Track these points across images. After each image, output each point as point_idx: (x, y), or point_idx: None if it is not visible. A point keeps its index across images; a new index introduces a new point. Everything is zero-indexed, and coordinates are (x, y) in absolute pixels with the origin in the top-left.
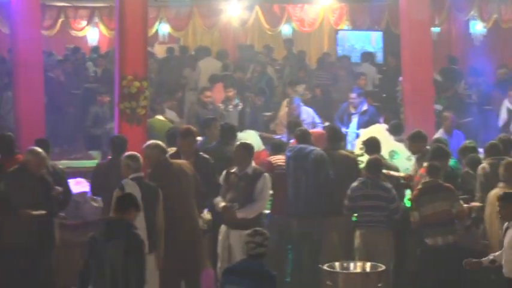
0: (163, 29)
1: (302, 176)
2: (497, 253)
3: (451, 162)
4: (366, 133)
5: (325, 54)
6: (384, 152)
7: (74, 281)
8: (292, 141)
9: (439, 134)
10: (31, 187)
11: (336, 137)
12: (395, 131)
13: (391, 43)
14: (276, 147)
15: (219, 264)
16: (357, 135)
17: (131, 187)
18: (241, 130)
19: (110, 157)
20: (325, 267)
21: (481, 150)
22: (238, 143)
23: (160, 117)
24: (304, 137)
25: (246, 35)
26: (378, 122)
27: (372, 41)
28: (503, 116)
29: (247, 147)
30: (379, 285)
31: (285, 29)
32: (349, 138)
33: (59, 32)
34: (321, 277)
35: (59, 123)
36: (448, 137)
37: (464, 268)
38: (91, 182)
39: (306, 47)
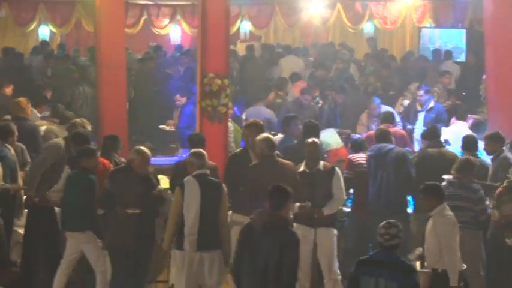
0: (245, 26)
1: (383, 175)
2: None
3: None
4: (448, 131)
5: (408, 53)
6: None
7: (155, 276)
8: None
9: None
10: (135, 186)
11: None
12: (477, 129)
13: (475, 41)
14: (356, 146)
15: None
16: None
17: (191, 184)
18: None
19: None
20: None
21: None
22: (309, 140)
23: None
24: (383, 136)
25: (327, 33)
26: (445, 119)
27: (456, 38)
28: None
29: (318, 144)
30: (461, 284)
31: (367, 27)
32: (415, 135)
33: (141, 30)
34: None
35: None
36: None
37: None
38: (171, 179)
39: (388, 45)
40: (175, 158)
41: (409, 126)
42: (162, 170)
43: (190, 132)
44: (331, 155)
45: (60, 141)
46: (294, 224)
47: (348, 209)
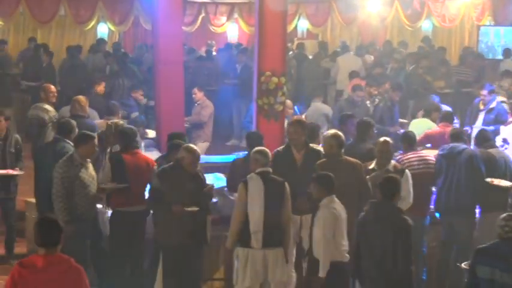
0: (302, 24)
1: (453, 175)
2: None
3: None
4: (507, 130)
5: (466, 50)
6: None
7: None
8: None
9: None
10: (185, 184)
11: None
12: None
13: None
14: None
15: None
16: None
17: (254, 181)
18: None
19: (246, 152)
20: (463, 265)
21: None
22: (381, 139)
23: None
24: (458, 135)
25: (385, 31)
26: (504, 120)
27: None
28: None
29: (390, 144)
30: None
31: (425, 25)
32: (473, 134)
33: (199, 28)
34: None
35: None
36: None
37: None
38: (228, 177)
39: (446, 43)
40: (231, 156)
41: (466, 128)
42: (218, 168)
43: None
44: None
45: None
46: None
47: None
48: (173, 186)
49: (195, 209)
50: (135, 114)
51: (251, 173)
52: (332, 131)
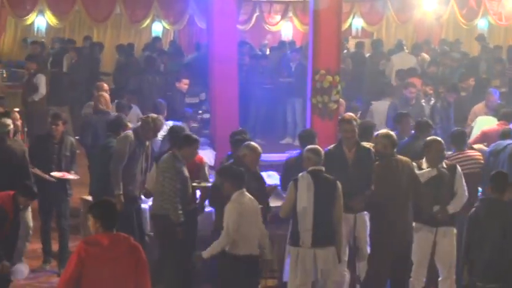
0: (357, 23)
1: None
2: None
3: None
4: None
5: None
6: None
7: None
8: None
9: None
10: (248, 182)
11: None
12: None
13: None
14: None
15: (414, 266)
16: None
17: (304, 180)
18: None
19: (299, 151)
20: None
21: None
22: (433, 137)
23: None
24: (506, 133)
25: (441, 29)
26: None
27: None
28: None
29: (443, 143)
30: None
31: (481, 23)
32: None
33: (253, 27)
34: None
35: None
36: None
37: None
38: (281, 176)
39: (502, 41)
40: (286, 155)
41: None
42: (271, 166)
43: None
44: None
45: (130, 133)
46: (414, 224)
47: None
48: None
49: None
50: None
51: (303, 172)
52: (384, 131)
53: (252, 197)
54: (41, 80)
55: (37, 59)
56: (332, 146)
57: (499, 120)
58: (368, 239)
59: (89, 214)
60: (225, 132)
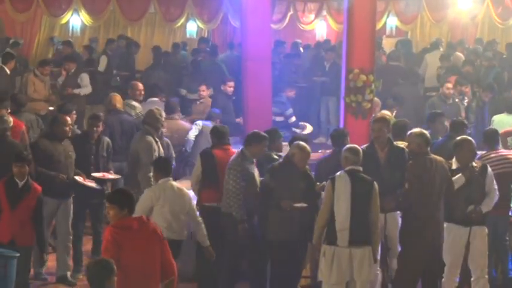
0: (391, 22)
1: None
2: None
3: None
4: None
5: None
6: None
7: None
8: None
9: None
10: (296, 182)
11: None
12: None
13: None
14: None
15: (446, 266)
16: None
17: (342, 179)
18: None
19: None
20: None
21: None
22: (463, 137)
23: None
24: None
25: (476, 29)
26: None
27: None
28: None
29: (474, 143)
30: None
31: None
32: None
33: (287, 26)
34: None
35: None
36: None
37: None
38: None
39: None
40: (319, 154)
41: None
42: None
43: None
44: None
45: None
46: (445, 224)
47: None
48: (284, 183)
49: (304, 205)
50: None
51: (340, 171)
52: (417, 130)
53: (180, 186)
54: (86, 79)
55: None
56: (365, 145)
57: None
58: (398, 238)
59: (112, 204)
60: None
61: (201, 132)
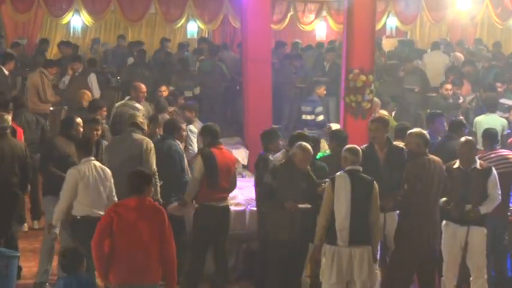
0: (391, 22)
1: None
2: None
3: None
4: None
5: None
6: None
7: None
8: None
9: None
10: (297, 182)
11: None
12: None
13: None
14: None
15: (444, 265)
16: None
17: (342, 179)
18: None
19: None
20: None
21: None
22: (464, 138)
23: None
24: None
25: (475, 29)
26: None
27: None
28: None
29: (474, 143)
30: None
31: None
32: None
33: (287, 26)
34: None
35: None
36: None
37: None
38: None
39: None
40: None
41: None
42: None
43: None
44: None
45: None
46: (444, 222)
47: None
48: (286, 183)
49: (308, 206)
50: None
51: (340, 171)
52: (416, 130)
53: (103, 166)
54: (95, 80)
55: (81, 58)
56: (364, 146)
57: None
58: None
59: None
60: (258, 131)
61: None
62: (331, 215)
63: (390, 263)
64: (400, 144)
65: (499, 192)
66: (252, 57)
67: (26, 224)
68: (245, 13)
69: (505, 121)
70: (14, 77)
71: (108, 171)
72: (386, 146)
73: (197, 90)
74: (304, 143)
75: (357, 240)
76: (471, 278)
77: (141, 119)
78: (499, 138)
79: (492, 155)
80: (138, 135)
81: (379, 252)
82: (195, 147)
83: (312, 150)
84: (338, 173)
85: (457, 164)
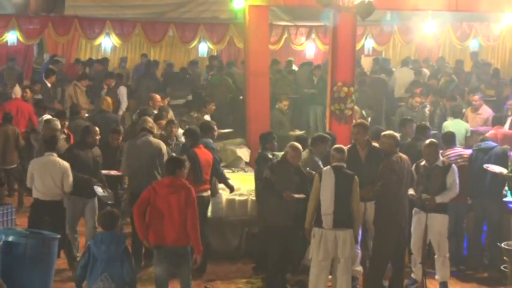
0: (369, 44)
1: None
2: None
3: None
4: None
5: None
6: None
7: None
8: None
9: None
10: (290, 175)
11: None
12: None
13: None
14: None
15: (412, 245)
16: None
17: (327, 173)
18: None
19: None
20: (503, 245)
21: None
22: (428, 140)
23: None
24: None
25: (439, 49)
26: None
27: None
28: None
29: (436, 144)
30: None
31: (473, 44)
32: None
33: (282, 47)
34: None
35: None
36: None
37: None
38: None
39: (490, 59)
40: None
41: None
42: None
43: None
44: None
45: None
46: (415, 209)
47: None
48: (282, 177)
49: (303, 196)
50: None
51: (327, 167)
52: (389, 132)
53: (61, 161)
54: (124, 93)
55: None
56: (349, 146)
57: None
58: None
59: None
60: (258, 134)
61: None
62: (318, 203)
63: (374, 245)
64: (375, 144)
65: (457, 186)
66: (253, 72)
67: None
68: (247, 35)
69: (467, 125)
70: (55, 88)
71: (65, 165)
72: (367, 147)
73: (189, 97)
74: (294, 143)
75: (340, 224)
76: (435, 256)
77: (151, 124)
78: (463, 139)
79: (451, 153)
80: (154, 139)
81: (360, 234)
82: None
83: (301, 148)
84: (325, 168)
85: (423, 162)
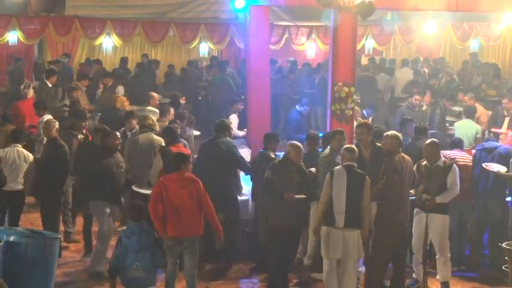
0: (369, 44)
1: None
2: None
3: None
4: None
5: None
6: None
7: None
8: None
9: None
10: (291, 175)
11: None
12: None
13: None
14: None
15: (413, 245)
16: None
17: (339, 172)
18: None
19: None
20: (504, 245)
21: None
22: (429, 140)
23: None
24: None
25: (439, 49)
26: None
27: None
28: None
29: (437, 144)
30: None
31: (473, 44)
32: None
33: (283, 47)
34: (500, 253)
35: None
36: None
37: None
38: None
39: (491, 59)
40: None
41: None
42: None
43: None
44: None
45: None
46: (416, 209)
47: None
48: (283, 177)
49: (303, 196)
50: None
51: (338, 166)
52: (392, 132)
53: (25, 152)
54: (121, 92)
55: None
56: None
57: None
58: None
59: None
60: (259, 134)
61: None
62: (329, 202)
63: (373, 244)
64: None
65: (458, 186)
66: (253, 72)
67: None
68: (248, 36)
69: (478, 127)
70: (56, 88)
71: (29, 156)
72: (371, 146)
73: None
74: (294, 142)
75: (350, 224)
76: (436, 256)
77: (151, 121)
78: (474, 140)
79: (454, 152)
80: (154, 136)
81: None
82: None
83: (302, 147)
84: (336, 167)
85: (424, 162)
